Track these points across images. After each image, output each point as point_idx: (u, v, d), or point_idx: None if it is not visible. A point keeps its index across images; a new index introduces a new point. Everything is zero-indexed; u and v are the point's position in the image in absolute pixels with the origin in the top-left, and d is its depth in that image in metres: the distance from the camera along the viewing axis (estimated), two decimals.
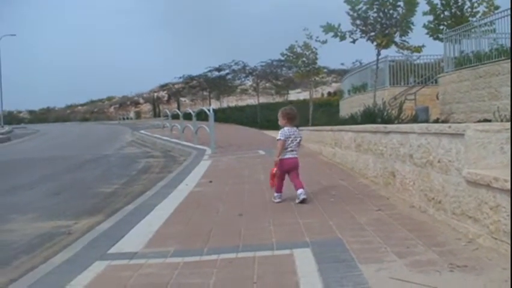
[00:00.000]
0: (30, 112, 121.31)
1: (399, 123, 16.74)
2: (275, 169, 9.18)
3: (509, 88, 16.73)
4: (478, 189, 5.51)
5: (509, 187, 4.82)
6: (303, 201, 8.82)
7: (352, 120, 19.77)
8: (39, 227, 9.31)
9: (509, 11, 17.94)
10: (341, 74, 65.90)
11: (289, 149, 9.20)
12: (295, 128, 9.39)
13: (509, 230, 4.91)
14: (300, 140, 9.40)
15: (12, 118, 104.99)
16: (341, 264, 5.17)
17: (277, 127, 10.02)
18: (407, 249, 5.51)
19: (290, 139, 9.19)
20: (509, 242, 4.94)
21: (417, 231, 6.26)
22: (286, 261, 5.43)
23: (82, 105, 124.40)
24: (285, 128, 9.25)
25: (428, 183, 7.08)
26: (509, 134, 5.62)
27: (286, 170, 9.24)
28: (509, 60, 17.05)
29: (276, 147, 9.56)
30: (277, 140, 9.26)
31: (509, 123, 5.83)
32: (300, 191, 8.95)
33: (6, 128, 68.45)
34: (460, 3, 25.78)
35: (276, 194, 9.18)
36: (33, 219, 10.06)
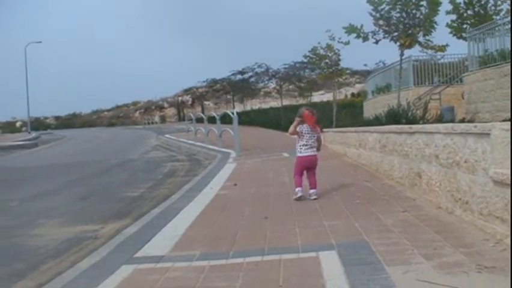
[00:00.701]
0: (57, 118, 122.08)
1: (424, 123, 16.62)
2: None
3: None
4: (505, 189, 5.45)
5: None
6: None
7: (376, 121, 19.67)
8: (67, 231, 9.35)
9: None
10: (364, 75, 65.81)
11: (308, 145, 9.69)
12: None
13: None
14: (317, 137, 9.86)
15: (39, 124, 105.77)
16: (367, 266, 5.14)
17: None
18: (434, 251, 5.47)
19: (308, 135, 9.66)
20: None
21: (444, 232, 6.21)
22: (312, 263, 5.41)
23: (107, 110, 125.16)
24: (305, 125, 9.73)
25: (455, 183, 7.02)
26: None
27: (306, 166, 9.74)
28: None
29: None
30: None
31: None
32: (312, 191, 9.65)
33: (33, 134, 68.92)
34: (483, 2, 25.59)
35: (296, 189, 9.55)
36: (61, 224, 10.12)
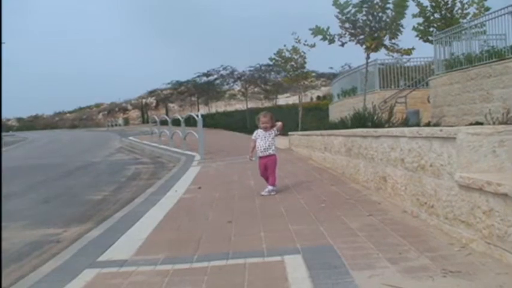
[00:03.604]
0: (19, 119, 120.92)
1: (390, 126, 16.69)
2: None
3: (501, 90, 16.78)
4: (470, 194, 5.50)
5: (502, 191, 4.81)
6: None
7: (342, 124, 19.73)
8: (28, 235, 9.29)
9: (500, 12, 17.98)
10: (330, 77, 66.08)
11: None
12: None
13: (502, 235, 4.90)
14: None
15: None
16: (332, 270, 5.15)
17: None
18: (400, 255, 5.50)
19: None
20: (503, 247, 4.94)
21: (409, 236, 6.24)
22: (277, 268, 5.41)
23: (70, 112, 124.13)
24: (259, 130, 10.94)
25: (420, 187, 7.07)
26: (501, 137, 5.61)
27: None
28: (500, 62, 17.10)
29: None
30: (275, 136, 10.92)
31: (501, 126, 5.82)
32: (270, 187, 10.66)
33: None
34: (449, 5, 25.75)
35: (274, 188, 10.63)
36: (22, 227, 10.04)
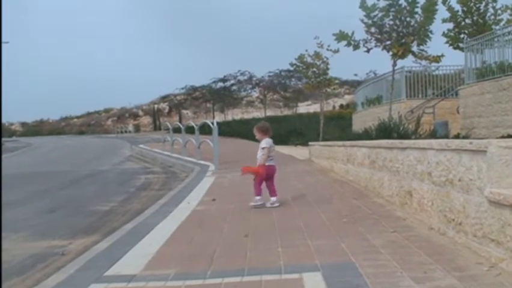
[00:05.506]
0: (23, 124, 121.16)
1: (416, 138, 16.63)
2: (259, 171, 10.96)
3: None
4: (501, 210, 5.48)
5: None
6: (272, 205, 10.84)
7: (366, 135, 19.67)
8: (32, 246, 9.31)
9: None
10: (354, 85, 65.92)
11: (271, 157, 11.12)
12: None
13: None
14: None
15: (3, 130, 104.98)
16: None
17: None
18: (425, 274, 5.48)
19: (272, 148, 11.16)
20: None
21: (436, 254, 6.22)
22: (295, 286, 5.41)
23: (77, 117, 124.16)
24: (269, 139, 11.15)
25: (448, 203, 7.04)
26: None
27: (270, 175, 11.09)
28: None
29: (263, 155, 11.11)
30: (263, 148, 11.04)
31: None
32: (273, 198, 10.98)
33: None
34: (482, 11, 25.59)
35: (257, 198, 10.94)
36: (26, 238, 10.07)
